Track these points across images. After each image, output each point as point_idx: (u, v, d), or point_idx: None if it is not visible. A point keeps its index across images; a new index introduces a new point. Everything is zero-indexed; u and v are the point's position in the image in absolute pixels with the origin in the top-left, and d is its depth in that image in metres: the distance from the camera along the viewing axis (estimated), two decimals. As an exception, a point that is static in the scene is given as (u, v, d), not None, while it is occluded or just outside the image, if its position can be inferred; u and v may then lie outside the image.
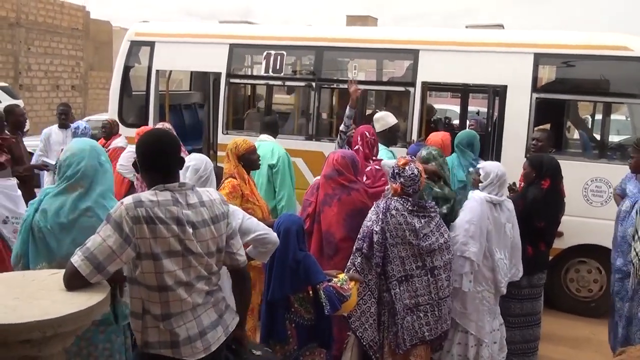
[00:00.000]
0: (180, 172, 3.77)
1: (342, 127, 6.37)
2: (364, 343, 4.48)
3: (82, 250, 2.69)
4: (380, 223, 4.43)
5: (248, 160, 5.21)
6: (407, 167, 4.49)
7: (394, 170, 4.54)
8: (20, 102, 14.44)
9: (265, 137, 6.57)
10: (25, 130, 7.34)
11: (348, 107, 6.30)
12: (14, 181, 4.11)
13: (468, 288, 4.91)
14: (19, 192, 4.10)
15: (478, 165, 5.33)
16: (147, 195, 2.80)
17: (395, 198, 4.53)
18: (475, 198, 5.02)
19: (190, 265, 2.83)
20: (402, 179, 4.49)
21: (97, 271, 2.66)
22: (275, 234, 3.92)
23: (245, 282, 3.22)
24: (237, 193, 4.90)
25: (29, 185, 6.69)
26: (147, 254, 2.73)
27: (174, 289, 2.78)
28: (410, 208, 4.48)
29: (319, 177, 5.35)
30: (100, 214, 3.26)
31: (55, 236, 3.27)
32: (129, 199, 2.76)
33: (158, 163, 2.91)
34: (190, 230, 2.81)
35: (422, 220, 4.51)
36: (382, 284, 4.50)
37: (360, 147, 5.76)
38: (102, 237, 2.69)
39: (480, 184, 5.10)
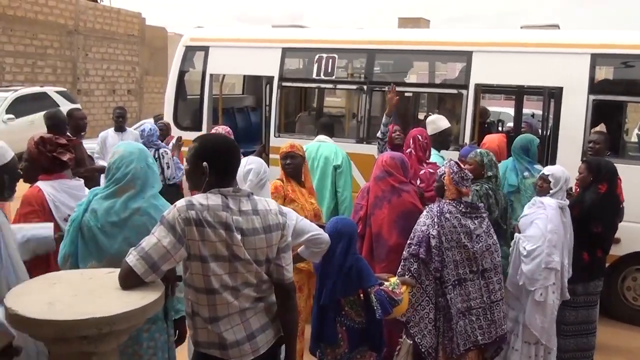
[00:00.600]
0: (242, 174, 3.82)
1: (378, 134, 6.34)
2: (423, 349, 4.44)
3: (137, 250, 2.75)
4: (436, 227, 4.40)
5: (281, 164, 5.20)
6: (467, 171, 4.53)
7: (459, 176, 4.51)
8: (77, 106, 14.78)
9: (323, 138, 6.61)
10: (82, 133, 7.53)
11: (385, 114, 6.25)
12: (80, 181, 4.22)
13: (553, 300, 4.88)
14: (86, 192, 4.20)
15: (544, 171, 5.22)
16: (198, 198, 2.83)
17: (447, 201, 4.51)
18: (552, 205, 4.95)
19: (237, 271, 2.84)
20: (468, 183, 4.50)
21: (151, 270, 2.72)
22: (327, 235, 3.93)
23: (290, 300, 3.08)
24: (279, 194, 4.90)
25: (89, 186, 6.89)
26: (196, 256, 2.78)
27: (220, 292, 2.81)
28: (463, 210, 4.46)
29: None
30: (151, 212, 3.39)
31: (106, 234, 3.36)
32: (181, 202, 2.81)
33: (215, 167, 2.91)
34: (239, 237, 2.82)
35: (475, 222, 4.49)
36: (438, 288, 4.47)
37: (413, 150, 5.72)
38: (157, 237, 2.74)
39: (551, 190, 5.04)
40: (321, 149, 6.42)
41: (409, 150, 5.76)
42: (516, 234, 5.13)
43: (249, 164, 4.09)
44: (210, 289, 2.81)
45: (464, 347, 4.46)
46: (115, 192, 3.45)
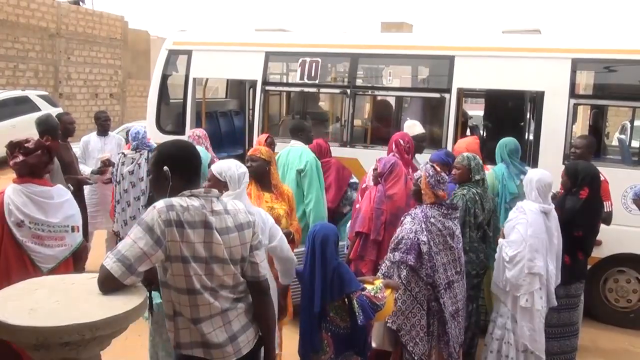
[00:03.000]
0: (237, 176, 4.00)
1: None
2: (416, 357, 4.45)
3: (114, 253, 2.75)
4: (424, 232, 4.41)
5: None
6: (443, 174, 4.55)
7: (435, 179, 4.53)
8: (59, 110, 14.69)
9: (295, 143, 6.60)
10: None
11: None
12: (46, 188, 4.08)
13: (541, 305, 4.92)
14: (56, 200, 4.11)
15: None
16: (177, 200, 2.87)
17: (429, 205, 4.52)
18: (532, 210, 4.96)
19: (213, 273, 2.87)
20: (444, 186, 4.53)
21: (129, 272, 2.72)
22: (287, 247, 4.06)
23: (266, 297, 3.15)
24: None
25: (79, 193, 7.11)
26: (177, 257, 2.80)
27: (201, 292, 2.84)
28: (444, 212, 4.50)
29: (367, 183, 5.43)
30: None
31: None
32: (161, 203, 2.83)
33: (177, 170, 2.98)
34: (218, 235, 2.87)
35: (456, 222, 4.56)
36: (430, 293, 4.48)
37: (397, 154, 5.75)
38: (133, 239, 2.75)
39: (525, 193, 5.10)
40: (290, 154, 6.44)
41: (391, 154, 5.78)
42: (500, 239, 5.15)
43: (239, 166, 4.14)
44: (191, 290, 2.83)
45: (457, 349, 4.50)
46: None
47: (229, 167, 4.09)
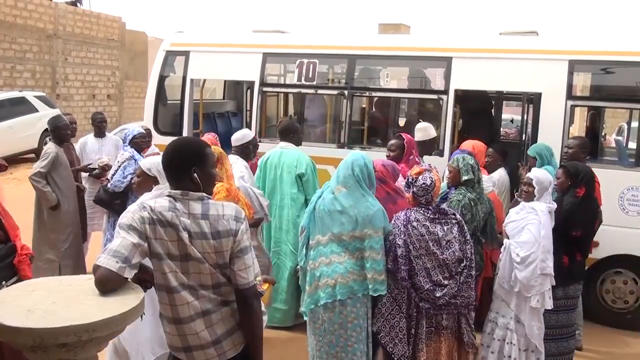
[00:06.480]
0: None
1: None
2: (395, 358, 4.44)
3: (106, 252, 2.75)
4: (402, 236, 4.39)
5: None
6: (420, 177, 4.46)
7: (408, 179, 4.53)
8: (57, 111, 14.66)
9: (285, 144, 6.57)
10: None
11: None
12: None
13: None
14: None
15: (529, 176, 5.24)
16: (148, 201, 2.95)
17: (415, 208, 4.48)
18: (543, 211, 4.97)
19: (189, 271, 2.86)
20: (414, 189, 4.46)
21: (125, 264, 2.70)
22: None
23: (248, 306, 2.98)
24: (232, 196, 4.95)
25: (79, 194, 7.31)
26: (153, 254, 2.83)
27: (178, 290, 2.84)
28: (431, 217, 4.44)
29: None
30: (361, 207, 4.40)
31: (330, 217, 4.48)
32: (133, 206, 2.95)
33: (168, 170, 3.02)
34: (186, 236, 2.84)
35: (445, 228, 4.45)
36: (415, 296, 4.43)
37: (416, 158, 5.81)
38: (121, 237, 2.79)
39: (535, 195, 5.07)
40: (283, 156, 6.40)
41: (411, 157, 5.79)
42: (506, 240, 5.14)
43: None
44: (168, 287, 2.84)
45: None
46: (334, 190, 4.54)
47: (158, 162, 4.09)
